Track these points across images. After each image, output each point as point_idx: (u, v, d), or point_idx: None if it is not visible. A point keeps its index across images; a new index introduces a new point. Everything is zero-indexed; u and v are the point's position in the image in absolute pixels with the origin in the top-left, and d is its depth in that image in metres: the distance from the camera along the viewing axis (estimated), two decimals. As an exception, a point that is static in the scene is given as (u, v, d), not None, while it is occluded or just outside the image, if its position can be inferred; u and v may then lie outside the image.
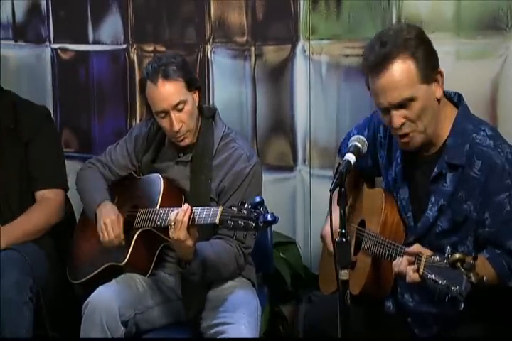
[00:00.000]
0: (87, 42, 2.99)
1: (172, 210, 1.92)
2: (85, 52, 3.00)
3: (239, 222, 1.73)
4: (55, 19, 3.04)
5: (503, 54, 2.15)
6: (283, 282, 2.44)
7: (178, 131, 1.99)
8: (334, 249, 1.55)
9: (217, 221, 1.77)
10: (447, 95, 1.77)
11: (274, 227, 2.29)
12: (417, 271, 1.53)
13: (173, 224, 1.81)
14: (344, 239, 1.55)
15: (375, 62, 1.64)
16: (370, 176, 2.01)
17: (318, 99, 2.53)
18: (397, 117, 1.66)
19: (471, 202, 1.68)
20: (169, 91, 1.98)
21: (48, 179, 2.35)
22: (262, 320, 2.16)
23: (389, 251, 1.71)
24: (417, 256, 1.55)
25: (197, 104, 2.05)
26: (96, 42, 2.97)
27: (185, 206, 1.84)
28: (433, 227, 1.74)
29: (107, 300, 1.95)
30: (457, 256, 1.43)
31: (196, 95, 2.05)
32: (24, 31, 3.13)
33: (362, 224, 1.92)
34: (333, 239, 1.57)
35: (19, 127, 2.34)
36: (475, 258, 1.45)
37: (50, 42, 3.08)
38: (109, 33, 2.93)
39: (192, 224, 1.81)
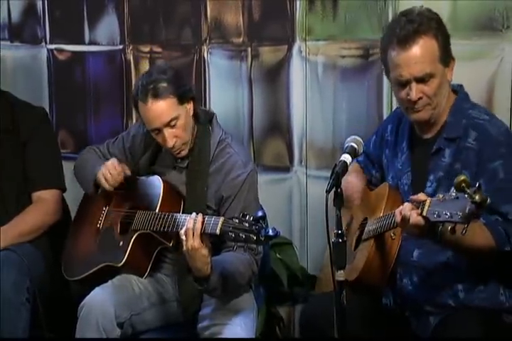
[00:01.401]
0: (83, 43, 2.98)
1: (172, 215, 1.92)
2: (81, 53, 3.00)
3: (240, 234, 1.72)
4: (51, 19, 3.04)
5: (499, 55, 2.16)
6: (279, 283, 2.44)
7: (173, 146, 1.98)
8: (330, 249, 1.55)
9: (217, 231, 1.76)
10: (450, 85, 1.84)
11: (271, 228, 2.30)
12: (421, 213, 1.53)
13: (185, 233, 1.79)
14: (340, 240, 1.55)
15: (404, 36, 1.72)
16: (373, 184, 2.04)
17: (314, 99, 2.53)
18: (416, 91, 1.73)
19: (467, 171, 1.71)
20: (160, 110, 1.94)
21: (45, 179, 2.35)
22: (259, 320, 2.16)
23: (391, 219, 1.71)
24: (422, 202, 1.55)
25: (191, 114, 2.03)
26: (92, 42, 2.97)
27: (195, 214, 1.83)
28: None
29: (103, 302, 1.95)
30: (462, 177, 1.44)
31: (190, 106, 2.01)
32: (20, 32, 3.12)
33: (365, 220, 1.92)
34: (329, 240, 1.57)
35: (17, 128, 2.34)
36: (479, 184, 1.44)
37: (46, 43, 3.08)
38: (105, 34, 2.93)
39: (205, 232, 1.79)
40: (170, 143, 1.97)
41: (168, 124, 1.96)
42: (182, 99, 1.98)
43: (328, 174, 1.60)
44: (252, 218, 1.72)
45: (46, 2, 3.04)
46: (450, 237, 1.51)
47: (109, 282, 2.04)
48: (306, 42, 2.52)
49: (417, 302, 1.80)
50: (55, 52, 3.07)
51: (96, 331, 1.92)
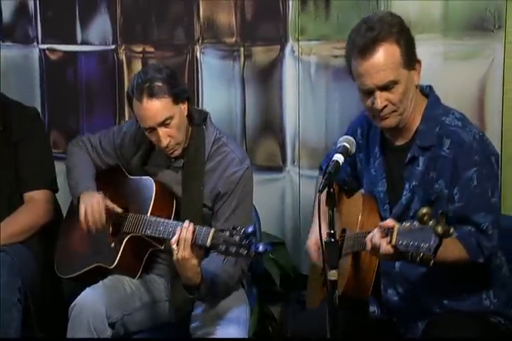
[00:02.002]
0: (75, 43, 2.98)
1: (164, 221, 1.92)
2: (73, 53, 2.99)
3: (230, 248, 1.74)
4: (43, 19, 3.03)
5: (490, 55, 2.16)
6: (272, 282, 2.44)
7: (167, 145, 1.98)
8: (322, 248, 1.55)
9: (208, 244, 1.78)
10: (419, 87, 1.82)
11: (263, 228, 2.30)
12: (390, 242, 1.54)
13: (176, 243, 1.80)
14: (333, 240, 1.56)
15: (363, 45, 1.69)
16: (349, 189, 2.02)
17: (307, 99, 2.53)
18: (381, 99, 1.71)
19: (442, 180, 1.71)
20: (155, 109, 1.93)
21: (37, 180, 2.34)
22: (251, 320, 2.15)
23: (365, 238, 1.71)
24: (390, 228, 1.57)
25: (186, 114, 2.02)
26: (84, 42, 2.96)
27: (187, 222, 1.83)
28: (407, 211, 1.77)
29: (94, 302, 1.94)
30: (424, 210, 1.45)
31: (185, 106, 2.01)
32: (12, 31, 3.11)
33: (344, 233, 1.92)
34: (321, 240, 1.57)
35: (8, 128, 2.33)
36: (442, 213, 1.46)
37: (38, 43, 3.07)
38: (97, 34, 2.93)
39: (195, 243, 1.80)
40: (164, 142, 1.97)
41: (162, 124, 1.95)
42: (177, 99, 1.97)
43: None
44: (242, 232, 1.73)
45: (38, 2, 3.03)
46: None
47: (100, 282, 2.04)
48: (298, 42, 2.52)
49: (403, 310, 1.80)
50: (47, 52, 3.06)
51: (87, 331, 1.91)
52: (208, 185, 2.01)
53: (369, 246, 1.62)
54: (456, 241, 1.65)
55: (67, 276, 2.15)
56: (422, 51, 2.15)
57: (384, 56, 1.69)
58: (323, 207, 1.60)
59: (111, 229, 2.10)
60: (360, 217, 1.82)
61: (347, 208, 1.95)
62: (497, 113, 2.17)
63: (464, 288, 1.75)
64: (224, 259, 1.77)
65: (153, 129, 1.97)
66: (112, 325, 1.96)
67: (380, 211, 1.83)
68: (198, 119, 2.07)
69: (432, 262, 1.47)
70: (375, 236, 1.60)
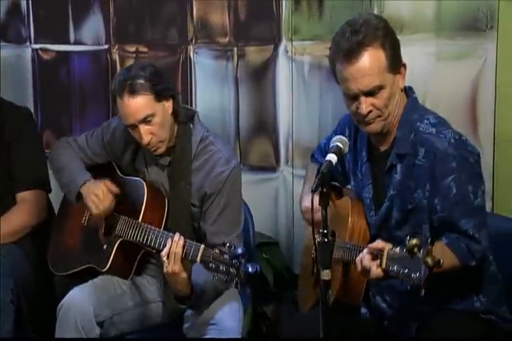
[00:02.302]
0: (68, 43, 2.97)
1: (154, 230, 1.92)
2: (66, 53, 2.98)
3: (220, 267, 1.75)
4: (36, 19, 3.02)
5: (482, 55, 2.17)
6: (266, 282, 2.44)
7: (149, 143, 1.97)
8: (315, 248, 1.55)
9: (198, 260, 1.80)
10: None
11: (257, 228, 2.29)
12: (380, 265, 1.54)
13: (166, 257, 1.82)
14: (326, 239, 1.55)
15: (348, 50, 1.66)
16: (340, 184, 2.02)
17: (300, 99, 2.53)
18: (366, 104, 1.69)
19: (420, 190, 1.70)
20: (135, 106, 1.93)
21: (30, 180, 2.33)
22: (245, 320, 2.15)
23: (356, 254, 1.72)
24: (380, 250, 1.56)
25: (170, 112, 2.00)
26: (77, 42, 2.95)
27: (177, 236, 1.84)
28: (388, 219, 1.77)
29: (81, 301, 1.94)
30: (414, 241, 1.45)
31: (169, 104, 1.99)
32: (4, 31, 3.10)
33: (333, 234, 1.92)
34: (314, 239, 1.57)
35: (1, 128, 2.32)
36: (432, 243, 1.47)
37: (30, 43, 3.06)
38: (90, 34, 2.92)
39: (185, 258, 1.82)
40: (145, 139, 1.96)
41: (143, 121, 1.94)
42: (159, 97, 1.96)
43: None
44: (232, 251, 1.74)
45: (30, 1, 3.02)
46: None
47: (90, 282, 2.04)
48: (292, 42, 2.52)
49: (392, 315, 1.80)
50: (39, 51, 3.05)
51: (75, 330, 1.91)
52: (194, 184, 2.01)
53: (359, 267, 1.61)
54: (446, 249, 1.65)
55: (60, 274, 2.15)
56: (414, 51, 2.16)
57: (369, 61, 1.66)
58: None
59: (103, 229, 2.09)
60: (349, 219, 1.82)
61: (336, 210, 1.95)
62: (489, 113, 2.18)
63: (454, 292, 1.74)
64: (214, 277, 1.78)
65: (134, 126, 1.96)
66: (100, 324, 1.96)
67: (367, 216, 1.83)
68: (184, 117, 2.05)
69: (423, 292, 1.46)
70: (364, 258, 1.59)
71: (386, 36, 1.68)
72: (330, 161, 1.62)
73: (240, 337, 2.00)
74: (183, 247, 1.82)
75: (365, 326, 1.84)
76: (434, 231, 1.69)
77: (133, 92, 1.92)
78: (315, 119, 2.51)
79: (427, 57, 2.25)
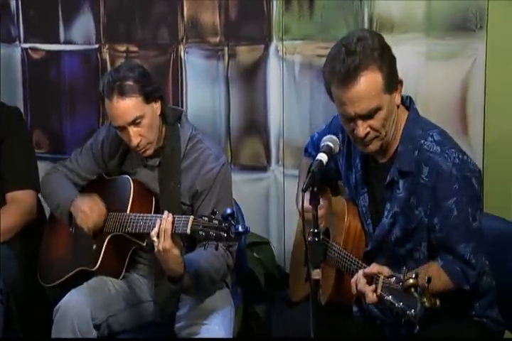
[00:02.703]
0: (58, 42, 2.95)
1: (143, 216, 1.91)
2: (56, 52, 2.97)
3: (210, 232, 1.73)
4: (25, 18, 3.01)
5: (472, 54, 2.18)
6: (257, 282, 2.44)
7: (137, 145, 1.97)
8: (306, 247, 1.55)
9: (188, 231, 1.76)
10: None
11: (248, 227, 2.29)
12: (375, 291, 1.54)
13: (156, 236, 1.80)
14: (316, 239, 1.56)
15: (344, 74, 1.62)
16: (334, 180, 2.01)
17: (291, 99, 2.53)
18: (363, 127, 1.66)
19: (421, 207, 1.69)
20: (125, 108, 1.92)
21: (20, 180, 2.32)
22: (236, 320, 2.15)
23: (350, 266, 1.73)
24: (375, 276, 1.56)
25: (158, 113, 2.00)
26: (67, 41, 2.94)
27: (166, 213, 1.83)
28: (388, 235, 1.76)
29: (79, 304, 1.93)
30: (411, 281, 1.45)
31: (157, 105, 1.99)
32: (-7, 30, 3.08)
33: (326, 232, 1.93)
34: (305, 239, 1.57)
35: (-10, 128, 2.31)
36: (429, 281, 1.45)
37: (20, 42, 3.04)
38: (80, 33, 2.91)
39: (175, 232, 1.79)
40: (134, 141, 1.95)
41: (132, 123, 1.94)
42: (148, 98, 1.96)
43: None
44: (221, 216, 1.72)
45: (20, 0, 3.00)
46: None
47: (85, 284, 2.03)
48: (282, 42, 2.52)
49: (385, 319, 1.80)
50: (29, 51, 3.03)
51: (72, 333, 1.90)
52: (185, 183, 2.01)
53: (354, 290, 1.61)
54: (440, 271, 1.65)
55: (50, 284, 2.14)
56: (405, 51, 2.17)
57: (366, 85, 1.62)
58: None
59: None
60: (345, 220, 1.82)
61: (331, 207, 1.95)
62: (479, 112, 2.19)
63: (448, 301, 1.74)
64: (205, 245, 1.76)
65: (123, 128, 1.96)
66: (97, 327, 1.95)
67: (364, 224, 1.82)
68: (171, 118, 2.05)
69: (417, 330, 1.45)
70: (360, 281, 1.58)
71: (382, 56, 1.63)
72: (321, 161, 1.62)
73: (231, 336, 2.00)
74: (173, 223, 1.79)
75: (357, 325, 1.84)
76: (431, 249, 1.70)
77: (122, 94, 1.92)
78: (306, 119, 2.52)
79: (417, 56, 2.26)
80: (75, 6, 2.89)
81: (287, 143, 2.56)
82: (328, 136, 1.72)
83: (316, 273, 1.54)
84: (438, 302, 1.45)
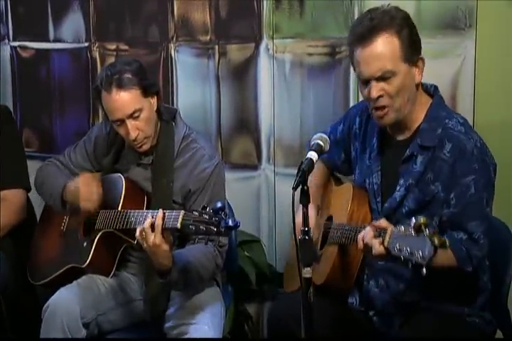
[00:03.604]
0: (47, 40, 2.94)
1: (133, 212, 1.91)
2: (46, 51, 2.95)
3: (200, 226, 1.72)
4: (14, 16, 2.99)
5: (461, 53, 2.19)
6: (248, 281, 2.44)
7: (135, 139, 1.97)
8: (297, 246, 1.56)
9: (178, 225, 1.76)
10: (424, 86, 1.82)
11: (239, 226, 2.29)
12: (383, 243, 1.54)
13: (145, 230, 1.79)
14: (307, 237, 1.56)
15: (361, 34, 1.70)
16: (340, 172, 2.03)
17: (282, 97, 2.53)
18: (376, 88, 1.71)
19: (438, 182, 1.72)
20: (124, 100, 1.93)
21: (10, 179, 2.32)
22: (227, 319, 2.15)
23: (355, 234, 1.73)
24: (383, 229, 1.57)
25: (155, 109, 2.01)
26: (57, 40, 2.92)
27: (158, 210, 1.82)
28: (400, 207, 1.78)
29: (68, 303, 1.92)
30: (422, 220, 1.46)
31: (154, 100, 2.00)
32: (-18, 29, 3.06)
33: (330, 220, 1.94)
34: (295, 237, 1.57)
35: (-21, 127, 2.30)
36: (443, 245, 1.46)
37: (9, 40, 3.02)
38: (70, 31, 2.89)
39: (166, 228, 1.79)
40: (132, 135, 1.95)
41: (131, 116, 1.94)
42: (146, 92, 1.97)
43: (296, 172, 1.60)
44: (211, 210, 1.72)
45: (9, -2, 2.99)
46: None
47: (75, 282, 2.02)
48: (273, 40, 2.52)
49: (382, 303, 1.81)
50: (18, 49, 3.01)
51: (61, 332, 1.89)
52: (177, 182, 2.00)
53: (361, 245, 1.62)
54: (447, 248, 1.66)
55: (40, 282, 2.13)
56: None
57: (382, 45, 1.69)
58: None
59: (82, 229, 2.08)
60: (349, 206, 1.83)
61: (335, 196, 1.96)
62: (468, 110, 2.19)
63: (445, 290, 1.75)
64: (195, 240, 1.76)
65: (122, 121, 1.96)
66: (86, 326, 1.95)
67: (372, 203, 1.84)
68: (166, 115, 2.06)
69: (425, 271, 1.46)
70: (366, 235, 1.60)
71: (402, 26, 1.71)
72: (311, 159, 1.63)
73: (221, 336, 1.99)
74: (163, 219, 1.79)
75: (351, 316, 1.85)
76: (441, 228, 1.71)
77: (121, 86, 1.92)
78: (296, 117, 2.52)
79: (407, 55, 2.26)
80: (64, 4, 2.88)
81: (278, 142, 2.56)
82: (319, 135, 1.72)
83: (307, 272, 1.55)
84: (447, 242, 1.45)
